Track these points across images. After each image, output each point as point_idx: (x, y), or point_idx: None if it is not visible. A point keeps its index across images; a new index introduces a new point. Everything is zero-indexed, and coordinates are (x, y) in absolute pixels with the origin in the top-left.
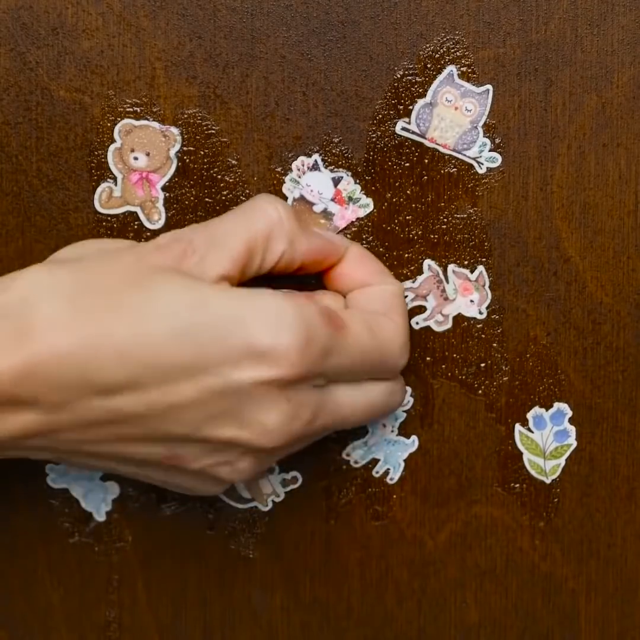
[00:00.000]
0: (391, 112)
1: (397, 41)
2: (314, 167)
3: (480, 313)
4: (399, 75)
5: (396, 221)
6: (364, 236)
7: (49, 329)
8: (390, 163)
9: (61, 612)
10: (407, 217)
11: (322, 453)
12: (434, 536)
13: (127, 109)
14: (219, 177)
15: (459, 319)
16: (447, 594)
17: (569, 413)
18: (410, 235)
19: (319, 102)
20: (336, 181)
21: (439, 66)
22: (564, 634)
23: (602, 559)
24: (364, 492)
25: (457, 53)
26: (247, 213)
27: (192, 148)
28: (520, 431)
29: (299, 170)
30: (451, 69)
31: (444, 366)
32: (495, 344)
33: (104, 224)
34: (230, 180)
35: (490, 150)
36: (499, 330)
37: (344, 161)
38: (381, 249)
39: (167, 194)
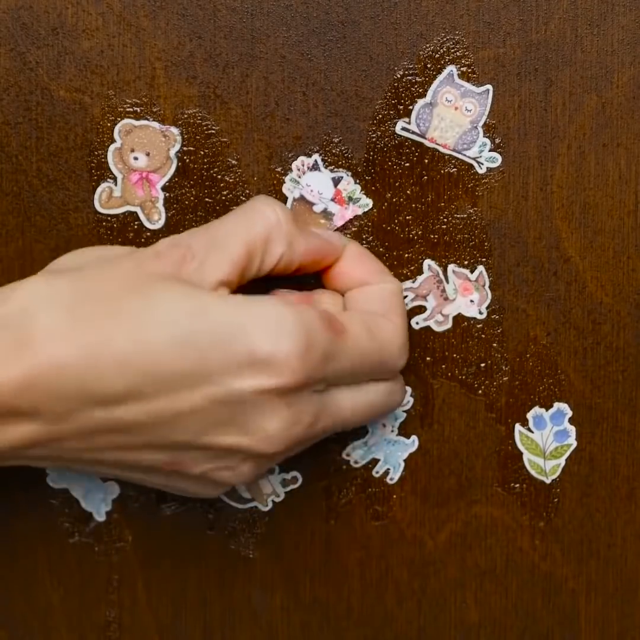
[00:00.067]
0: (391, 112)
1: (397, 41)
2: (314, 167)
3: (480, 313)
4: (399, 75)
5: (396, 221)
6: (364, 236)
7: (48, 340)
8: (390, 163)
9: (61, 612)
10: (407, 217)
11: (322, 453)
12: (434, 536)
13: (127, 109)
14: (219, 177)
15: (459, 319)
16: (447, 594)
17: (569, 413)
18: (410, 235)
19: (319, 102)
20: (336, 181)
21: (439, 66)
22: (564, 634)
23: (602, 559)
24: (364, 492)
25: (457, 53)
26: (245, 216)
27: (192, 148)
28: (520, 431)
29: (299, 170)
30: (451, 69)
31: (444, 366)
32: (495, 344)
33: (104, 224)
34: (230, 180)
35: (490, 150)
36: (499, 330)
37: (344, 161)
38: (381, 249)
39: (167, 194)
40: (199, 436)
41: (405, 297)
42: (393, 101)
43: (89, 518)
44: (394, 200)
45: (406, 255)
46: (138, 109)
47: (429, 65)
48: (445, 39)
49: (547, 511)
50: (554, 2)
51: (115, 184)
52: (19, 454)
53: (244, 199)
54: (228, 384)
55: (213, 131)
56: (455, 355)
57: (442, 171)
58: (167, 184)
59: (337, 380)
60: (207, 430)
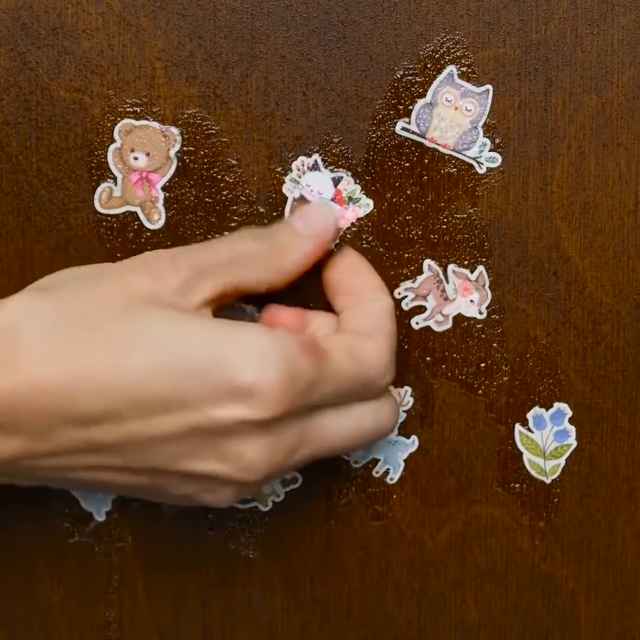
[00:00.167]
0: (391, 112)
1: (397, 41)
2: (314, 167)
3: (480, 313)
4: (399, 75)
5: (396, 221)
6: (364, 236)
7: (30, 360)
8: (390, 163)
9: (61, 612)
10: (407, 217)
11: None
12: (434, 536)
13: (127, 109)
14: (219, 177)
15: (459, 319)
16: (447, 594)
17: (569, 413)
18: (410, 235)
19: (319, 102)
20: (336, 181)
21: (439, 66)
22: (564, 634)
23: (602, 559)
24: (364, 492)
25: (457, 53)
26: (230, 245)
27: (192, 148)
28: (520, 431)
29: (299, 170)
30: (451, 69)
31: (444, 366)
32: (495, 344)
33: (104, 224)
34: (230, 180)
35: (490, 150)
36: (499, 330)
37: (344, 161)
38: (381, 249)
39: (167, 194)
40: (176, 462)
41: (405, 297)
42: (393, 101)
43: (89, 518)
44: (394, 200)
45: (406, 255)
46: (138, 109)
47: (429, 65)
48: (445, 39)
49: (547, 511)
50: (554, 2)
51: (115, 184)
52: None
53: (243, 199)
54: (207, 412)
55: (213, 131)
56: (455, 355)
57: (442, 171)
58: (167, 184)
59: (319, 404)
60: (184, 457)
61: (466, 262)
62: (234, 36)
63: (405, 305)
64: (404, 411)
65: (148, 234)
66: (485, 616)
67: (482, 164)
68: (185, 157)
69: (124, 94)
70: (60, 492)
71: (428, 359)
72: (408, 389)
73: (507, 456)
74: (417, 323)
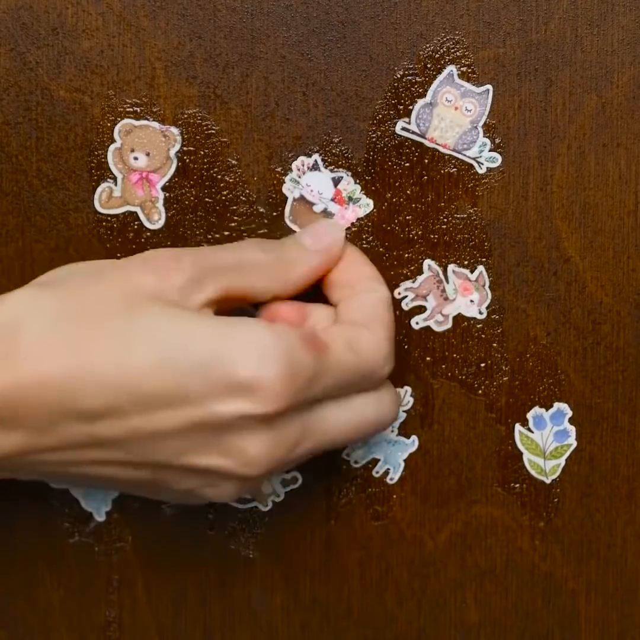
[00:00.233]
0: (391, 112)
1: (397, 41)
2: (314, 167)
3: (480, 313)
4: (399, 75)
5: (396, 221)
6: (364, 236)
7: (32, 355)
8: (390, 163)
9: (61, 612)
10: (407, 217)
11: (323, 453)
12: (434, 536)
13: (127, 109)
14: (219, 177)
15: (459, 319)
16: (447, 594)
17: (569, 413)
18: (410, 235)
19: (319, 102)
20: (336, 181)
21: (439, 66)
22: (564, 634)
23: (602, 559)
24: (364, 492)
25: (457, 53)
26: (236, 252)
27: (192, 148)
28: (520, 431)
29: (299, 170)
30: (451, 69)
31: (444, 366)
32: (495, 344)
33: (104, 224)
34: (230, 180)
35: (490, 150)
36: (499, 330)
37: (344, 161)
38: (381, 249)
39: (167, 194)
40: (178, 457)
41: (405, 297)
42: (393, 101)
43: (89, 518)
44: (394, 200)
45: (406, 255)
46: (138, 109)
47: (429, 65)
48: (445, 39)
49: (547, 511)
50: (554, 2)
51: (115, 184)
52: (1, 465)
53: (243, 199)
54: (209, 407)
55: (213, 131)
56: (455, 355)
57: (442, 171)
58: (167, 184)
59: (321, 396)
60: (186, 452)
61: (466, 262)
62: (234, 36)
63: (405, 305)
64: (404, 411)
65: (148, 234)
66: (485, 616)
67: (482, 164)
68: (185, 157)
69: (124, 94)
70: (60, 492)
71: (428, 359)
72: (408, 389)
73: (507, 456)
74: (417, 323)
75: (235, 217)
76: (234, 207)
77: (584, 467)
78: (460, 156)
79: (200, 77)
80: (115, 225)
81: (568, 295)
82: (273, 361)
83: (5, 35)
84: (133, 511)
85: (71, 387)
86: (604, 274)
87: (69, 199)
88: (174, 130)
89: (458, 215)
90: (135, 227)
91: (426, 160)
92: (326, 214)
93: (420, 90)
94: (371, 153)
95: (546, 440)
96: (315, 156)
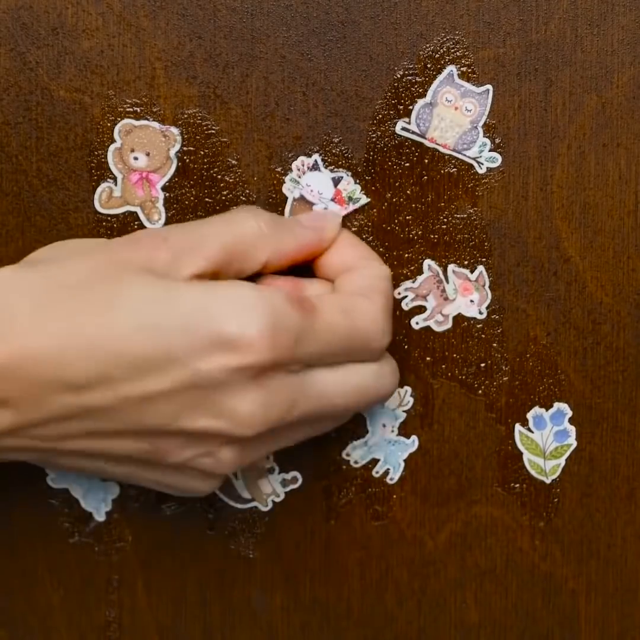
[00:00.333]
0: (391, 112)
1: (397, 41)
2: (314, 167)
3: (480, 313)
4: (399, 75)
5: (396, 221)
6: (364, 236)
7: (18, 330)
8: (390, 163)
9: (61, 612)
10: (407, 217)
11: (322, 453)
12: (434, 536)
13: (127, 109)
14: (219, 177)
15: (459, 319)
16: (447, 594)
17: (569, 413)
18: (410, 235)
19: (319, 102)
20: (336, 181)
21: (439, 66)
22: (564, 634)
23: (602, 559)
24: (364, 492)
25: (457, 53)
26: (226, 221)
27: (192, 148)
28: (520, 431)
29: (299, 170)
30: (451, 69)
31: (444, 366)
32: (495, 344)
33: (104, 224)
34: (230, 180)
35: (490, 150)
36: (499, 330)
37: (344, 161)
38: (381, 249)
39: (167, 194)
40: (171, 421)
41: (405, 297)
42: (393, 101)
43: (89, 518)
44: (394, 200)
45: (406, 255)
46: (138, 109)
47: (429, 65)
48: (445, 39)
49: (547, 511)
50: (554, 2)
51: (115, 184)
52: None
53: (243, 199)
54: (195, 366)
55: (213, 131)
56: (455, 355)
57: (442, 171)
58: (167, 184)
59: (313, 361)
60: (179, 415)
61: (466, 262)
62: (234, 36)
63: (405, 305)
64: (404, 411)
65: None
66: (485, 616)
67: (482, 164)
68: (185, 157)
69: (124, 94)
70: (60, 492)
71: (428, 359)
72: (408, 389)
73: (507, 456)
74: (417, 323)
75: None
76: (234, 207)
77: (584, 467)
78: (460, 156)
79: (200, 77)
80: (115, 225)
81: (568, 295)
82: (257, 316)
83: (5, 35)
84: (133, 511)
85: (57, 359)
86: (604, 274)
87: (69, 199)
88: (174, 130)
89: (458, 215)
90: (135, 227)
91: (426, 160)
92: None
93: (420, 90)
94: (371, 153)
95: (546, 440)
96: (315, 156)
